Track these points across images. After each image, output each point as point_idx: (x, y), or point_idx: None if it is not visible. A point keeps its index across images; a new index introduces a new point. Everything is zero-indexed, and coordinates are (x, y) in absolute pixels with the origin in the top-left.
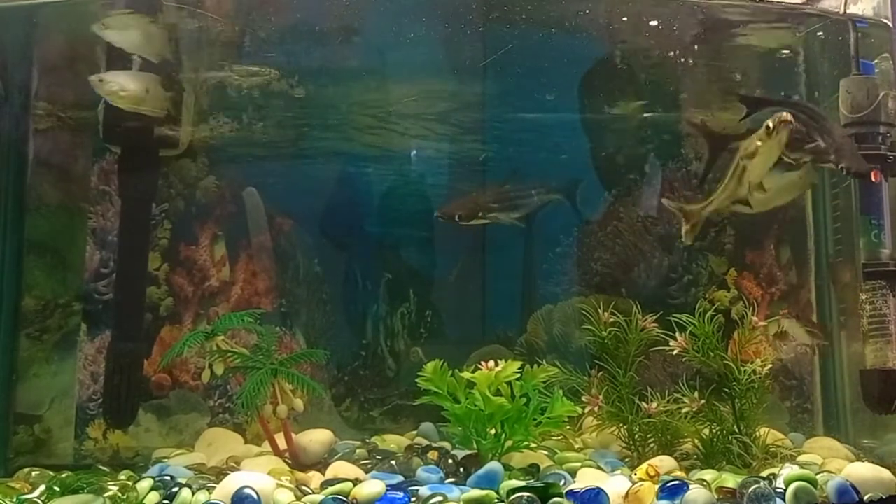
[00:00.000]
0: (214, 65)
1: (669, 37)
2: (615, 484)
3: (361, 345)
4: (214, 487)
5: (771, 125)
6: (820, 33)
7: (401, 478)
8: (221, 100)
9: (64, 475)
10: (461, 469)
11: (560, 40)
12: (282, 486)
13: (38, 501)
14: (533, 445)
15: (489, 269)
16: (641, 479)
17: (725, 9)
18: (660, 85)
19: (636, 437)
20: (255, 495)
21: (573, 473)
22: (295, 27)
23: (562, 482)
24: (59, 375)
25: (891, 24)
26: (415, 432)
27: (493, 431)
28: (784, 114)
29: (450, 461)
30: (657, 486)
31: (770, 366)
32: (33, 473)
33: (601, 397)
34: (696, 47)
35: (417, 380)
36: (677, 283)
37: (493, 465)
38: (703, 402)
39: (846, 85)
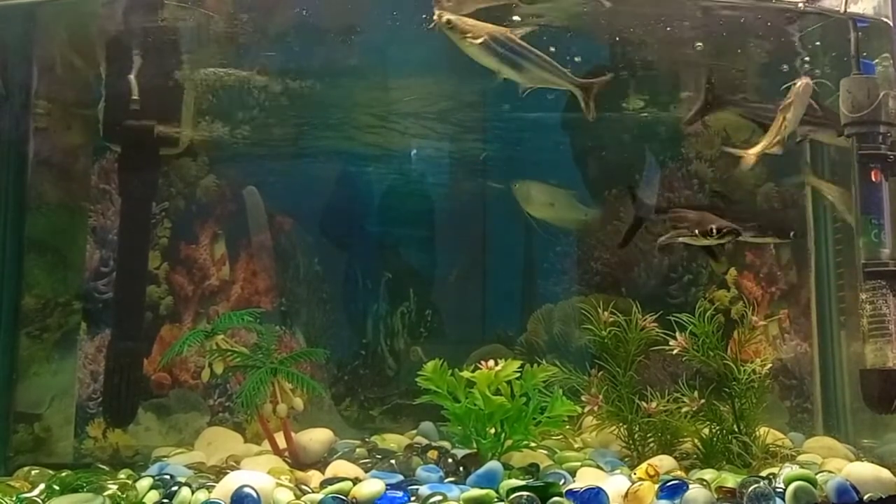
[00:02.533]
0: (214, 63)
1: (670, 36)
2: (615, 483)
3: (361, 344)
4: (214, 486)
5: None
6: None
7: (400, 477)
8: (222, 98)
9: (63, 474)
10: (461, 468)
11: (561, 38)
12: (281, 485)
13: (38, 500)
14: (533, 445)
15: (489, 269)
16: (641, 479)
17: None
18: (660, 84)
19: (636, 436)
20: (254, 494)
21: (573, 473)
22: (295, 25)
23: (561, 481)
24: (59, 374)
25: (891, 24)
26: (414, 431)
27: (492, 431)
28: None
29: (449, 460)
30: (657, 486)
31: (770, 365)
32: (33, 472)
33: (601, 397)
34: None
35: (417, 379)
36: (677, 283)
37: (493, 465)
38: (702, 401)
39: (846, 84)
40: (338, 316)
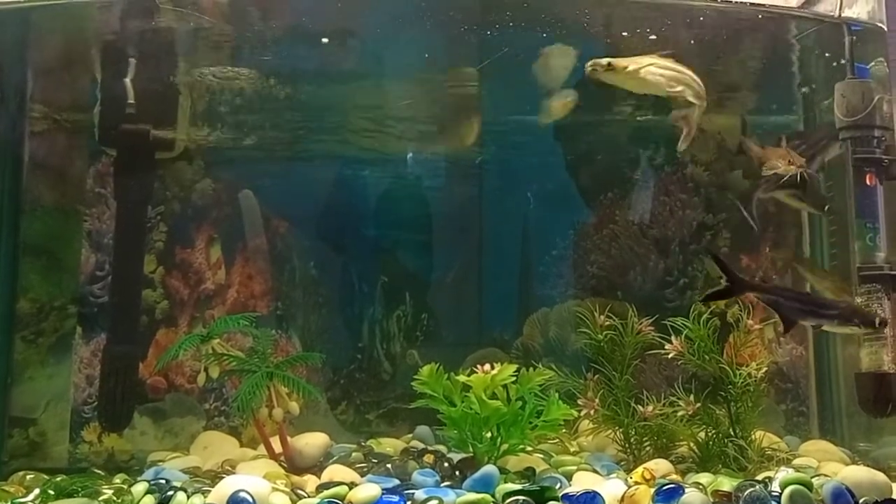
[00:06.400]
0: (210, 67)
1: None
2: (611, 487)
3: (357, 348)
4: (210, 491)
5: None
6: None
7: (396, 481)
8: (217, 102)
9: (59, 479)
10: (457, 472)
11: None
12: (277, 489)
13: None
14: (529, 449)
15: (485, 272)
16: (637, 483)
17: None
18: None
19: (632, 440)
20: (250, 499)
21: (569, 477)
22: (291, 29)
23: (557, 486)
24: (55, 378)
25: (885, 28)
26: (411, 435)
27: (488, 435)
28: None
29: (445, 464)
30: (653, 490)
31: (765, 369)
32: (28, 477)
33: (597, 400)
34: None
35: (413, 383)
36: (673, 287)
37: (489, 469)
38: (698, 405)
39: (841, 88)
40: (334, 320)
